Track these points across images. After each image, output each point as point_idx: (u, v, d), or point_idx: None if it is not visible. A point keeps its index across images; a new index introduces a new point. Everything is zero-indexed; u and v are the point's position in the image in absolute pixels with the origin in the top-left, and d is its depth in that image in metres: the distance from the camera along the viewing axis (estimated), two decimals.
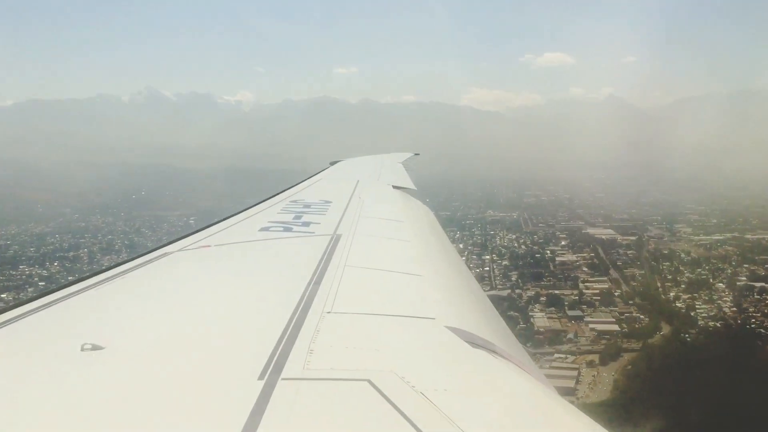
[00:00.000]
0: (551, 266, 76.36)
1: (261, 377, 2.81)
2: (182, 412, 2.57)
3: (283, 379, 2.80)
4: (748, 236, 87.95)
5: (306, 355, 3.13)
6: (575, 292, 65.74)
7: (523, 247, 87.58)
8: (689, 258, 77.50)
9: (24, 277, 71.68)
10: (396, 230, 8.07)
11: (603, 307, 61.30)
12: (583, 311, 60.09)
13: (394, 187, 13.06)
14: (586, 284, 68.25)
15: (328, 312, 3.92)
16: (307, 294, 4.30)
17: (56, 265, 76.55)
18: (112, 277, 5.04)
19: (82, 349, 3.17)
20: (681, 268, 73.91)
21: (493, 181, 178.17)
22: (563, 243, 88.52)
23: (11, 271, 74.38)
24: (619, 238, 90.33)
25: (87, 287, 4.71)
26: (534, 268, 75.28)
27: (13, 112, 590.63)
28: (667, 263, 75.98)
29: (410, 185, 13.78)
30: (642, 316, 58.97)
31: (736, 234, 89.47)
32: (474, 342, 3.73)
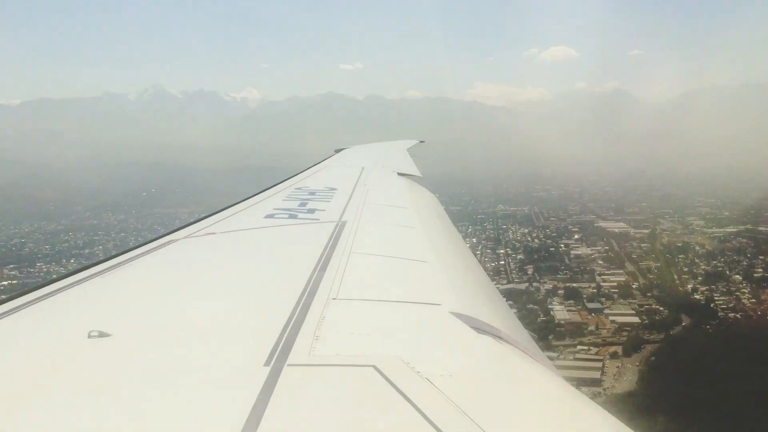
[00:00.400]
0: (566, 259, 76.33)
1: (267, 363, 2.81)
2: (189, 398, 2.57)
3: (289, 365, 2.81)
4: (762, 228, 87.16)
5: (312, 341, 3.14)
6: (593, 284, 65.63)
7: (536, 241, 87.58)
8: (704, 250, 77.16)
9: (42, 274, 71.94)
10: (401, 217, 8.06)
11: (622, 300, 61.27)
12: (602, 303, 60.06)
13: (400, 174, 13.03)
14: (602, 277, 68.16)
15: (334, 298, 3.93)
16: (312, 281, 4.30)
17: (73, 263, 76.77)
18: (118, 264, 5.01)
19: (89, 336, 3.16)
20: (696, 260, 73.62)
21: (501, 175, 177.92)
22: (576, 237, 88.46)
23: (29, 269, 74.92)
24: (632, 231, 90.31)
25: (94, 274, 4.68)
26: (549, 262, 75.30)
27: (22, 111, 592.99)
28: (682, 256, 75.64)
29: (416, 172, 13.73)
30: (661, 308, 58.91)
31: (749, 226, 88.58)
32: (479, 328, 3.71)
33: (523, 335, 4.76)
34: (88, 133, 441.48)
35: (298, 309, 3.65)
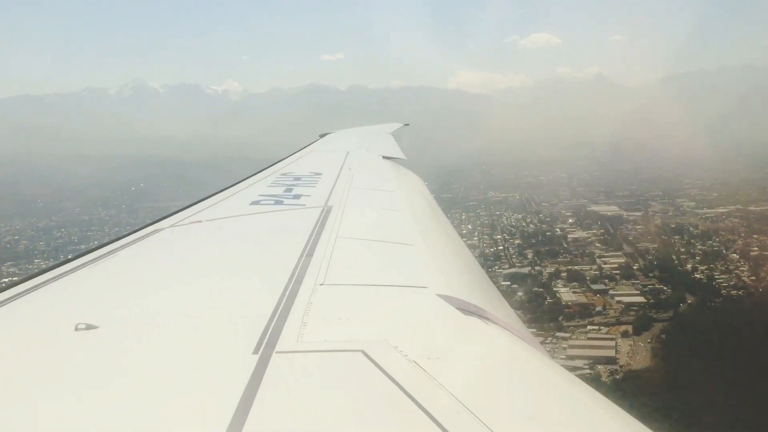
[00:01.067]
0: (564, 243, 76.96)
1: (255, 351, 2.80)
2: (178, 389, 2.57)
3: (277, 352, 2.80)
4: (752, 208, 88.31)
5: (300, 327, 3.14)
6: (594, 267, 66.28)
7: (531, 226, 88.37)
8: (698, 231, 78.26)
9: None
10: (387, 200, 8.06)
11: (624, 281, 62.06)
12: (606, 285, 60.74)
13: (384, 157, 13.05)
14: (602, 259, 68.77)
15: (321, 284, 3.92)
16: (299, 267, 4.27)
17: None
18: (104, 255, 4.93)
19: (77, 329, 3.13)
20: (692, 241, 74.65)
21: (488, 163, 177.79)
22: (570, 221, 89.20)
23: (27, 265, 74.36)
24: (625, 214, 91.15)
25: (79, 266, 4.60)
26: (548, 246, 76.02)
27: (1, 108, 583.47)
28: (677, 237, 76.81)
29: (400, 155, 13.78)
30: (665, 288, 59.65)
31: (739, 206, 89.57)
32: (466, 309, 3.72)
33: (510, 315, 4.81)
34: (71, 129, 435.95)
35: (286, 296, 3.64)
